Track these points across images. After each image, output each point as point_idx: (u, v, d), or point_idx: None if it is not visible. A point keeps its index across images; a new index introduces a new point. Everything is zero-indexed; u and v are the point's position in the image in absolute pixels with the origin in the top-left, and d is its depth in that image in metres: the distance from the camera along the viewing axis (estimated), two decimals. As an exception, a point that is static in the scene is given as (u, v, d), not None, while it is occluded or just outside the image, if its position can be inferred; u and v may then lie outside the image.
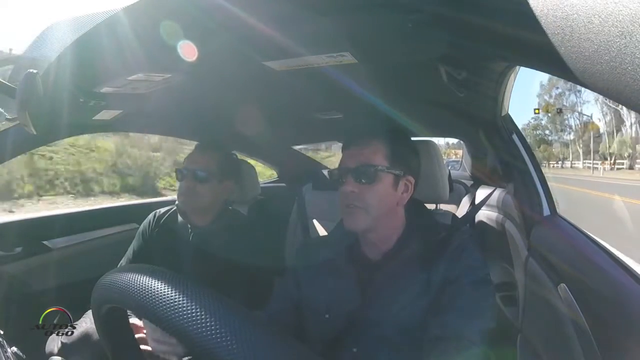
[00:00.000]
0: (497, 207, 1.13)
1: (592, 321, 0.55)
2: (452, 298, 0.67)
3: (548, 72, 0.36)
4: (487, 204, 1.16)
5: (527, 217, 0.88)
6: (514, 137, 1.04)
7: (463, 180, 1.59)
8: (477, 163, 1.62)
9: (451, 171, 1.60)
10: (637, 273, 0.56)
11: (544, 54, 0.28)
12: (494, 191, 1.20)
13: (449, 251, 0.72)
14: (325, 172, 1.82)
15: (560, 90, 34.69)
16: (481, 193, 1.29)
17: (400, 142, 0.78)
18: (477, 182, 1.52)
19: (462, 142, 1.84)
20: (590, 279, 0.60)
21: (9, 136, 0.88)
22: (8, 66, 0.75)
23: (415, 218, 0.79)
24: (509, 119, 1.06)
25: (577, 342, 0.57)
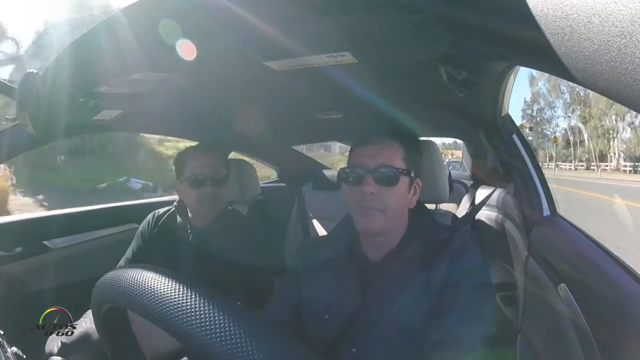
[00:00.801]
0: (497, 207, 1.13)
1: (592, 321, 0.55)
2: (452, 302, 0.67)
3: (548, 72, 0.36)
4: (487, 204, 1.16)
5: (527, 217, 0.88)
6: (514, 137, 1.04)
7: (463, 180, 1.59)
8: (477, 163, 1.62)
9: (451, 171, 1.60)
10: (637, 273, 0.56)
11: (544, 54, 0.28)
12: (494, 191, 1.20)
13: (449, 252, 0.72)
14: (326, 172, 1.82)
15: (540, 105, 42.50)
16: (481, 193, 1.28)
17: (413, 144, 0.78)
18: (477, 182, 1.52)
19: (459, 141, 1.84)
20: (590, 279, 0.60)
21: (9, 136, 0.88)
22: (8, 66, 0.75)
23: (417, 219, 0.79)
24: (509, 119, 1.06)
25: (577, 342, 0.57)
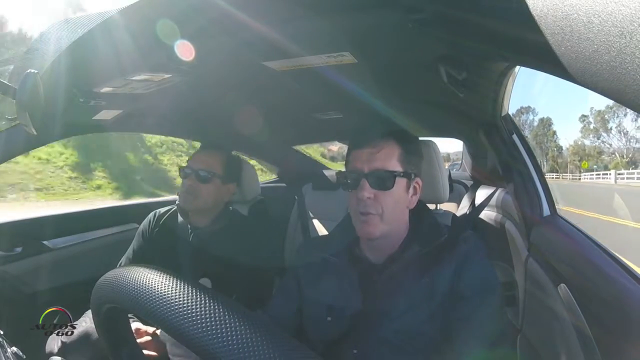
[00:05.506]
0: (497, 207, 1.13)
1: (591, 321, 0.55)
2: (466, 319, 0.66)
3: (548, 72, 0.36)
4: (487, 204, 1.16)
5: (527, 217, 0.88)
6: (514, 137, 1.04)
7: (463, 180, 1.59)
8: (477, 163, 1.61)
9: (451, 171, 1.60)
10: (637, 273, 0.56)
11: (544, 54, 0.28)
12: (494, 191, 1.20)
13: (455, 257, 0.70)
14: (326, 172, 1.82)
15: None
16: (481, 193, 1.28)
17: (411, 143, 0.76)
18: (477, 182, 1.52)
19: (446, 152, 1.84)
20: (590, 279, 0.60)
21: (9, 136, 0.88)
22: (8, 66, 0.75)
23: (419, 220, 0.78)
24: (509, 119, 1.06)
25: (577, 341, 0.57)
